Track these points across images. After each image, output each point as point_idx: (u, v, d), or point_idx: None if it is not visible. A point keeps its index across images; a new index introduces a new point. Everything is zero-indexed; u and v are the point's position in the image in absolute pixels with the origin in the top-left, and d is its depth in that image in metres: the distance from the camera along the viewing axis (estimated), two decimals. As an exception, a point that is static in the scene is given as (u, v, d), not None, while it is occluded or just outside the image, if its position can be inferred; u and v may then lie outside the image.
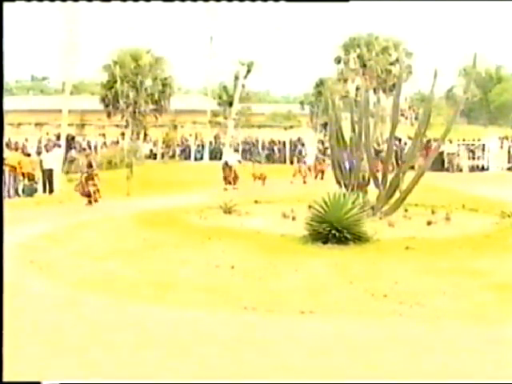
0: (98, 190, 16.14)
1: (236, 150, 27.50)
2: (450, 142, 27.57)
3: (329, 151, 23.64)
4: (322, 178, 22.90)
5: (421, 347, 5.73)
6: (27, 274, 8.38)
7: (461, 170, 28.58)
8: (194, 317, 6.63)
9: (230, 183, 20.56)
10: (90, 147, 31.84)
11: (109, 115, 36.35)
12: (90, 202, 15.96)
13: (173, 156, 36.41)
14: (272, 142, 36.28)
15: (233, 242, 9.34)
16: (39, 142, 29.72)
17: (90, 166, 16.42)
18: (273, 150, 35.79)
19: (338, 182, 12.93)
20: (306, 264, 8.36)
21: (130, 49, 35.62)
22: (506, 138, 31.36)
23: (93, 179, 16.17)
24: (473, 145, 29.65)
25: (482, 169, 28.87)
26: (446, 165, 28.48)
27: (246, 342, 5.86)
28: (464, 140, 30.32)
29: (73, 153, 28.25)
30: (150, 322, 6.47)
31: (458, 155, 28.47)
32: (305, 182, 22.06)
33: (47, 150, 19.89)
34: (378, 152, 20.51)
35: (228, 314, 6.71)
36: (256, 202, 14.22)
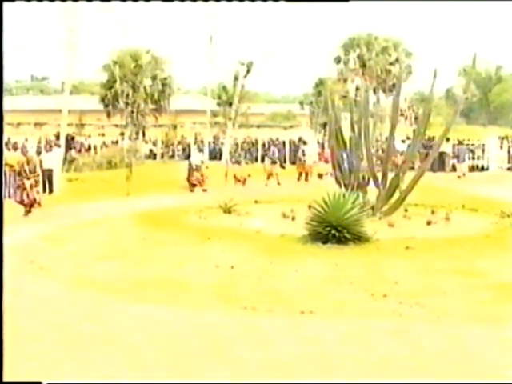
0: (40, 198, 14.79)
1: (201, 150, 25.84)
2: (447, 140, 27.33)
3: (307, 152, 23.41)
4: (306, 180, 22.36)
5: (421, 347, 5.73)
6: (27, 274, 8.40)
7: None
8: (193, 317, 6.63)
9: (195, 185, 20.07)
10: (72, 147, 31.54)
11: (108, 115, 36.31)
12: (28, 212, 14.21)
13: (172, 156, 36.34)
14: (271, 142, 36.22)
15: (232, 242, 9.32)
16: (39, 142, 29.65)
17: (34, 171, 14.74)
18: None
19: (338, 182, 12.92)
20: (306, 264, 8.35)
21: (129, 49, 35.53)
22: (506, 137, 31.32)
23: (37, 186, 14.81)
24: (472, 145, 29.60)
25: (482, 169, 28.84)
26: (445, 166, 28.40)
27: (246, 342, 5.87)
28: (464, 140, 30.25)
29: (72, 153, 28.30)
30: (150, 322, 6.48)
31: (458, 156, 28.35)
32: (279, 183, 21.35)
33: (47, 150, 19.91)
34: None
35: (228, 313, 6.72)
36: (256, 201, 14.21)
